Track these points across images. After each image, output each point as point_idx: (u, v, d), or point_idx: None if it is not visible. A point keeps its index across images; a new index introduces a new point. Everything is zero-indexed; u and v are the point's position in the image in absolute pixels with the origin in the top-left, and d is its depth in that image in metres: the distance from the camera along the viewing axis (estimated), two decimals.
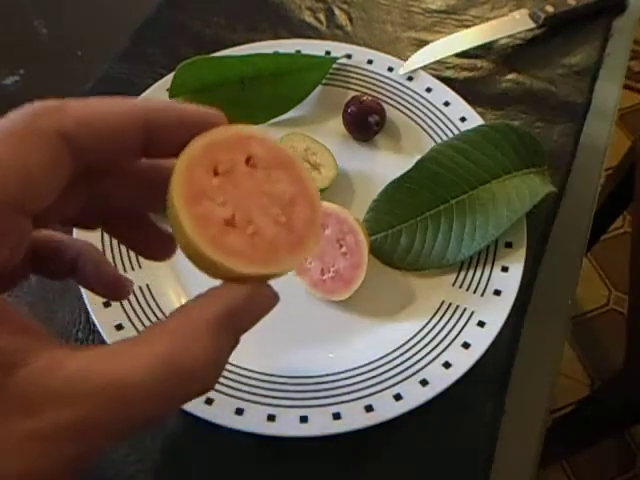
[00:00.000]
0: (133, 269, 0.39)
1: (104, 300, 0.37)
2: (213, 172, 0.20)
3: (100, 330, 0.36)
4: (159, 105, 0.20)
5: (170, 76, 0.46)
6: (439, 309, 0.38)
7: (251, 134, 0.21)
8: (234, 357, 0.22)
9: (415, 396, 0.34)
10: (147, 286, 0.39)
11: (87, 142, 0.19)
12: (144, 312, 0.38)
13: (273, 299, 0.21)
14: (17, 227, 0.18)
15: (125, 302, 0.38)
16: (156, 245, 0.25)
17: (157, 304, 0.38)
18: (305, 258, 0.22)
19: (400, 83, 0.48)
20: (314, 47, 0.50)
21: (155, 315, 0.38)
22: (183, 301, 0.39)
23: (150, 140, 0.20)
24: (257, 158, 0.21)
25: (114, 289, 0.25)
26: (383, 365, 0.36)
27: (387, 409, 0.34)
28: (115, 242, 0.40)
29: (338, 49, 0.50)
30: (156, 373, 0.17)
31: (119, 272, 0.26)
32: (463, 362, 0.35)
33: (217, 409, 0.34)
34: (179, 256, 0.42)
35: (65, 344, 0.18)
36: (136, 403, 0.17)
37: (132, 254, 0.40)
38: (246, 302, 0.20)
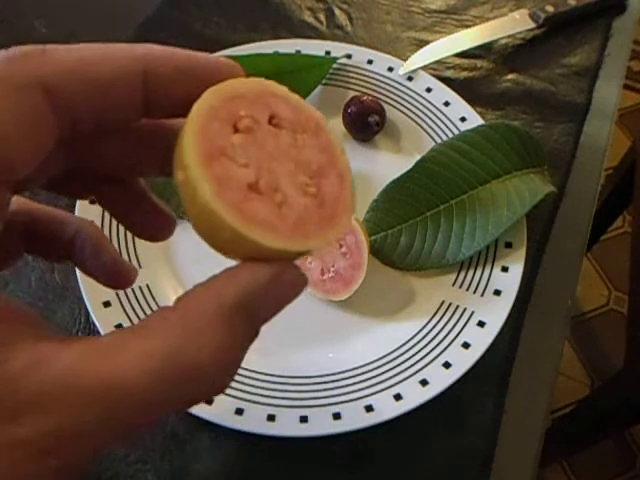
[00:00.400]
0: None
1: (104, 300, 0.37)
2: (233, 128, 0.17)
3: (100, 330, 0.36)
4: (163, 52, 0.17)
5: None
6: (439, 309, 0.38)
7: (275, 90, 0.18)
8: None
9: (415, 396, 0.34)
10: (147, 286, 0.39)
11: (73, 95, 0.15)
12: (144, 312, 0.38)
13: (301, 282, 0.18)
14: None
15: (125, 302, 0.38)
16: (153, 223, 0.22)
17: (157, 304, 0.38)
18: (337, 237, 0.19)
19: (400, 83, 0.48)
20: (314, 47, 0.50)
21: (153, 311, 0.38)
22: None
23: (152, 94, 0.17)
24: (281, 118, 0.18)
25: (115, 276, 0.22)
26: (383, 365, 0.36)
27: (387, 409, 0.34)
28: (114, 242, 0.40)
29: (338, 49, 0.50)
30: (155, 371, 0.14)
31: (121, 257, 0.22)
32: (463, 362, 0.35)
33: (217, 409, 0.34)
34: (179, 256, 0.42)
35: (54, 335, 0.15)
36: (130, 407, 0.14)
37: (131, 253, 0.40)
38: (270, 285, 0.16)
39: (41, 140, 0.15)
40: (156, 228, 0.22)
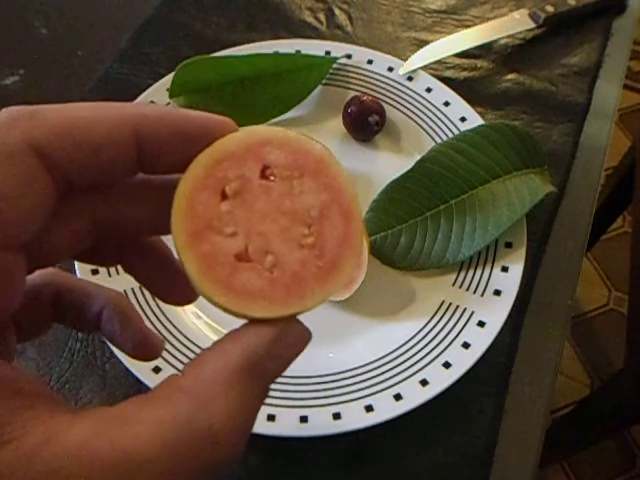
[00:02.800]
0: None
1: None
2: (221, 195, 0.17)
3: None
4: (154, 113, 0.17)
5: (170, 76, 0.46)
6: (439, 309, 0.38)
7: (264, 138, 0.18)
8: None
9: (415, 396, 0.34)
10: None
11: (64, 156, 0.15)
12: (144, 313, 0.38)
13: (305, 338, 0.18)
14: None
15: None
16: (177, 287, 0.21)
17: (157, 304, 0.38)
18: (343, 285, 0.18)
19: (400, 83, 0.48)
20: (314, 47, 0.50)
21: (156, 317, 0.38)
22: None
23: (145, 154, 0.17)
24: (275, 166, 0.17)
25: (142, 348, 0.22)
26: (383, 365, 0.36)
27: (387, 409, 0.34)
28: None
29: (338, 49, 0.50)
30: (168, 441, 0.14)
31: (149, 329, 0.22)
32: (463, 362, 0.35)
33: None
34: None
35: (65, 407, 0.15)
36: (146, 479, 0.14)
37: None
38: (274, 344, 0.16)
39: (40, 199, 0.15)
40: (179, 293, 0.22)
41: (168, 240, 0.21)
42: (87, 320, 0.21)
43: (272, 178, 0.18)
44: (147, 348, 0.22)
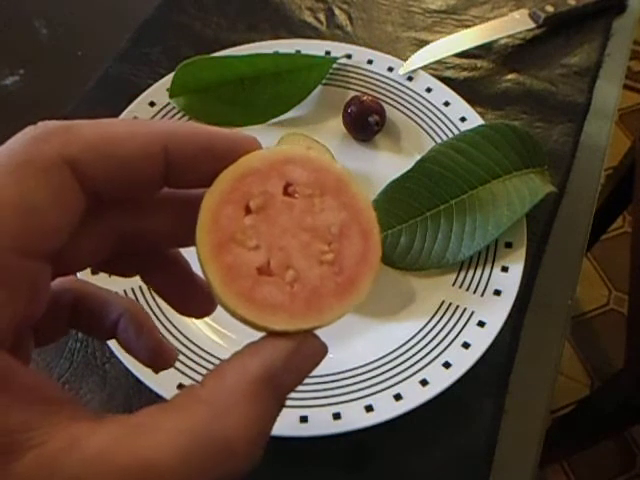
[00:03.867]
0: None
1: None
2: (245, 209, 0.17)
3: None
4: (183, 130, 0.17)
5: (170, 76, 0.46)
6: (439, 309, 0.38)
7: (288, 156, 0.18)
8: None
9: (415, 396, 0.34)
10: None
11: (97, 170, 0.16)
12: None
13: (321, 351, 0.18)
14: (26, 273, 0.15)
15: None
16: (194, 300, 0.22)
17: (157, 304, 0.38)
18: (360, 301, 0.18)
19: (400, 83, 0.48)
20: (314, 47, 0.50)
21: (156, 317, 0.38)
22: None
23: (173, 170, 0.17)
24: (297, 184, 0.18)
25: (156, 357, 0.22)
26: (383, 365, 0.36)
27: (387, 409, 0.34)
28: None
29: (338, 49, 0.50)
30: (187, 450, 0.14)
31: (163, 339, 0.23)
32: (463, 362, 0.35)
33: None
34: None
35: (87, 413, 0.15)
36: None
37: None
38: (290, 359, 0.17)
39: (69, 211, 0.16)
40: (197, 305, 0.22)
41: (186, 253, 0.21)
42: (103, 328, 0.22)
43: (295, 195, 0.18)
44: (161, 357, 0.22)
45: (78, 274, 0.38)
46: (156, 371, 0.23)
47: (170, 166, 0.17)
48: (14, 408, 0.14)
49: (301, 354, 0.17)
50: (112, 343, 0.34)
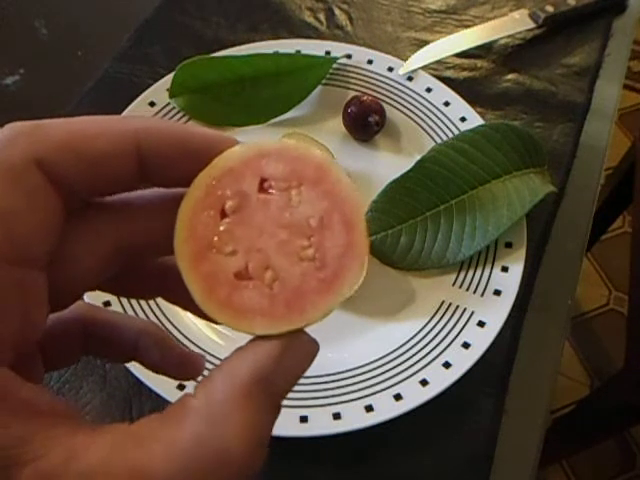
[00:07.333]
0: None
1: (104, 300, 0.37)
2: (221, 214, 0.17)
3: None
4: (157, 127, 0.17)
5: (170, 76, 0.46)
6: (439, 309, 0.38)
7: (262, 151, 0.17)
8: None
9: (415, 396, 0.34)
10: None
11: (68, 169, 0.16)
12: (144, 313, 0.38)
13: (312, 350, 0.18)
14: (13, 281, 0.15)
15: (126, 303, 0.38)
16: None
17: (158, 305, 0.38)
18: (347, 294, 0.18)
19: (400, 83, 0.48)
20: (314, 47, 0.50)
21: (156, 317, 0.38)
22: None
23: (148, 167, 0.17)
24: (273, 178, 0.17)
25: (184, 369, 0.22)
26: (383, 365, 0.36)
27: (387, 409, 0.34)
28: None
29: (338, 49, 0.50)
30: (185, 461, 0.14)
31: (186, 349, 0.23)
32: (463, 362, 0.35)
33: None
34: None
35: (85, 425, 0.15)
36: None
37: None
38: (279, 360, 0.16)
39: (48, 213, 0.16)
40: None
41: None
42: (119, 352, 0.21)
43: (271, 191, 0.17)
44: (190, 367, 0.22)
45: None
46: (187, 379, 0.23)
47: (144, 163, 0.17)
48: (12, 423, 0.14)
49: (291, 354, 0.17)
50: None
